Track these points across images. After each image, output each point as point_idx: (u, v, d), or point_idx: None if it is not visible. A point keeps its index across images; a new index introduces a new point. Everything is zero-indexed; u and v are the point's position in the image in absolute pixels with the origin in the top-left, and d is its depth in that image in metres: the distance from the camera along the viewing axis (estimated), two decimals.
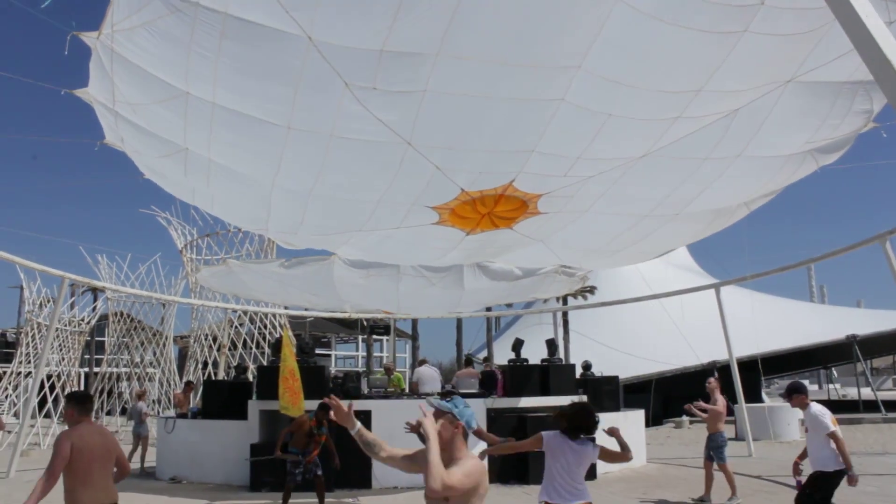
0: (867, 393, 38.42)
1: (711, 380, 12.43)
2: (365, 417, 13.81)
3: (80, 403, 5.79)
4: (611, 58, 6.06)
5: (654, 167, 7.95)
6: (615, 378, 16.63)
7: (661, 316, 37.24)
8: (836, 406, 37.43)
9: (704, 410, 11.90)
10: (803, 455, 8.23)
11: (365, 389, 15.66)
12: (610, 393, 16.05)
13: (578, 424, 5.72)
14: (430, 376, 15.77)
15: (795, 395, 8.01)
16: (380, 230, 9.60)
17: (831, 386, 56.29)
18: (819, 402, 8.97)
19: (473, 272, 12.26)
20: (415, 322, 33.40)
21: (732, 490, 11.79)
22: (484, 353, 34.40)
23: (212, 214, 28.55)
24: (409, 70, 6.25)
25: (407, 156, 7.40)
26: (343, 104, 6.61)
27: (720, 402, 11.92)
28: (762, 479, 13.95)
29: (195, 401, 20.11)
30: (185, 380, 27.13)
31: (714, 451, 11.95)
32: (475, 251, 10.90)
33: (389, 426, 14.45)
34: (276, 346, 15.04)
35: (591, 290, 32.59)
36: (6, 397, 26.85)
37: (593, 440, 5.86)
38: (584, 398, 14.82)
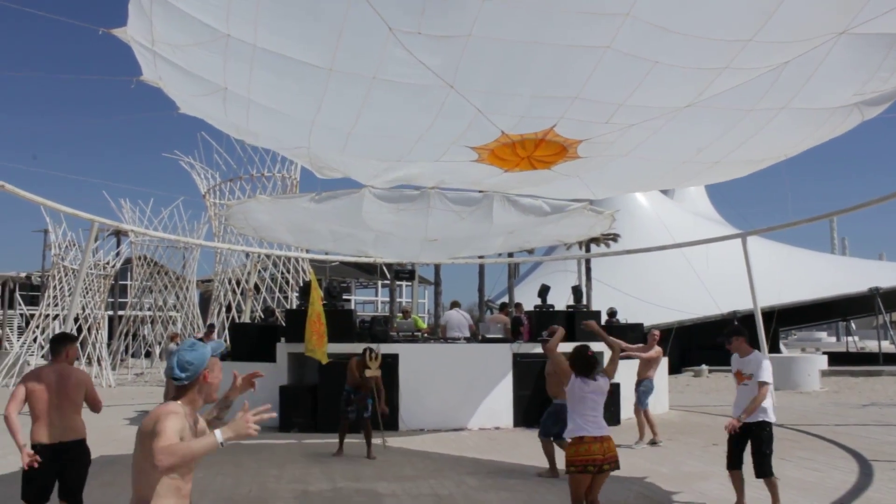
0: (887, 346, 38.41)
1: (655, 332, 13.48)
2: (392, 361, 14.04)
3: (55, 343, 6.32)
4: (661, 3, 5.95)
5: (696, 117, 7.83)
6: (640, 325, 16.79)
7: (682, 265, 37.18)
8: (855, 358, 37.67)
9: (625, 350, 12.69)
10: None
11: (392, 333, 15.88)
12: (635, 340, 16.16)
13: (582, 368, 6.43)
14: (457, 321, 15.85)
15: (736, 337, 7.84)
16: (418, 162, 9.70)
17: (850, 338, 56.26)
18: (837, 354, 8.87)
19: (503, 205, 12.23)
20: (437, 268, 33.54)
21: (641, 434, 12.66)
22: (504, 300, 34.52)
23: (235, 160, 28.66)
24: (454, 15, 6.16)
25: (449, 98, 7.36)
26: (387, 48, 6.55)
27: (654, 350, 12.99)
28: (784, 427, 14.10)
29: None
30: (207, 323, 27.61)
31: (638, 394, 12.99)
32: (513, 186, 11.23)
33: (417, 368, 14.80)
34: (305, 289, 15.20)
35: (615, 237, 32.52)
36: (34, 340, 27.37)
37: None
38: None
